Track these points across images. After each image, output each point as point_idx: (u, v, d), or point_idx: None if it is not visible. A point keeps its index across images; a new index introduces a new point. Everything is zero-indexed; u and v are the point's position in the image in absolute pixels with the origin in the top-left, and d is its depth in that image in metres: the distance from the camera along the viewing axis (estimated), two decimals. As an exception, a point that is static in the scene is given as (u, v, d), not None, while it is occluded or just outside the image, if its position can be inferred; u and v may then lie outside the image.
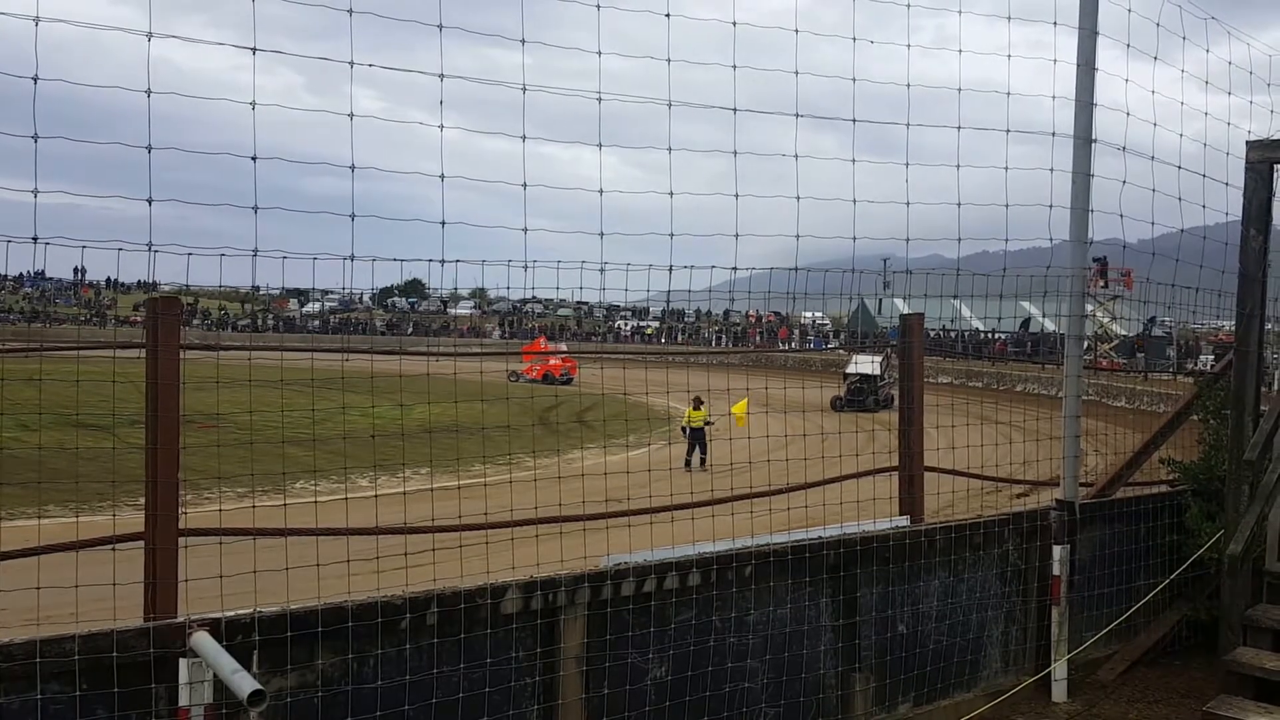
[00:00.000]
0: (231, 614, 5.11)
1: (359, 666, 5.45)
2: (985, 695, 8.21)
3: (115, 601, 5.70)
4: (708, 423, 28.13)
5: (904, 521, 8.18)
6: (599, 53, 6.58)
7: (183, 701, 4.83)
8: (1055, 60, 8.57)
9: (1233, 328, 9.07)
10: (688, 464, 27.47)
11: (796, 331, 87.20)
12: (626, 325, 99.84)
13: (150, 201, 5.12)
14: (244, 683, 4.42)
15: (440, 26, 5.99)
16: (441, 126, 6.01)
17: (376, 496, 6.82)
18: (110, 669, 4.76)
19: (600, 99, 6.63)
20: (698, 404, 28.32)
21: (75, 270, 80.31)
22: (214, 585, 5.40)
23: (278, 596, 5.37)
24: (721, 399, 7.93)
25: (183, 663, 4.82)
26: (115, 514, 6.43)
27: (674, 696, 6.55)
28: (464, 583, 5.93)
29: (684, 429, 29.21)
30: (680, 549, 6.83)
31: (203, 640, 4.80)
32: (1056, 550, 8.45)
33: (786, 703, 7.11)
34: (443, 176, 5.94)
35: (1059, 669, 8.38)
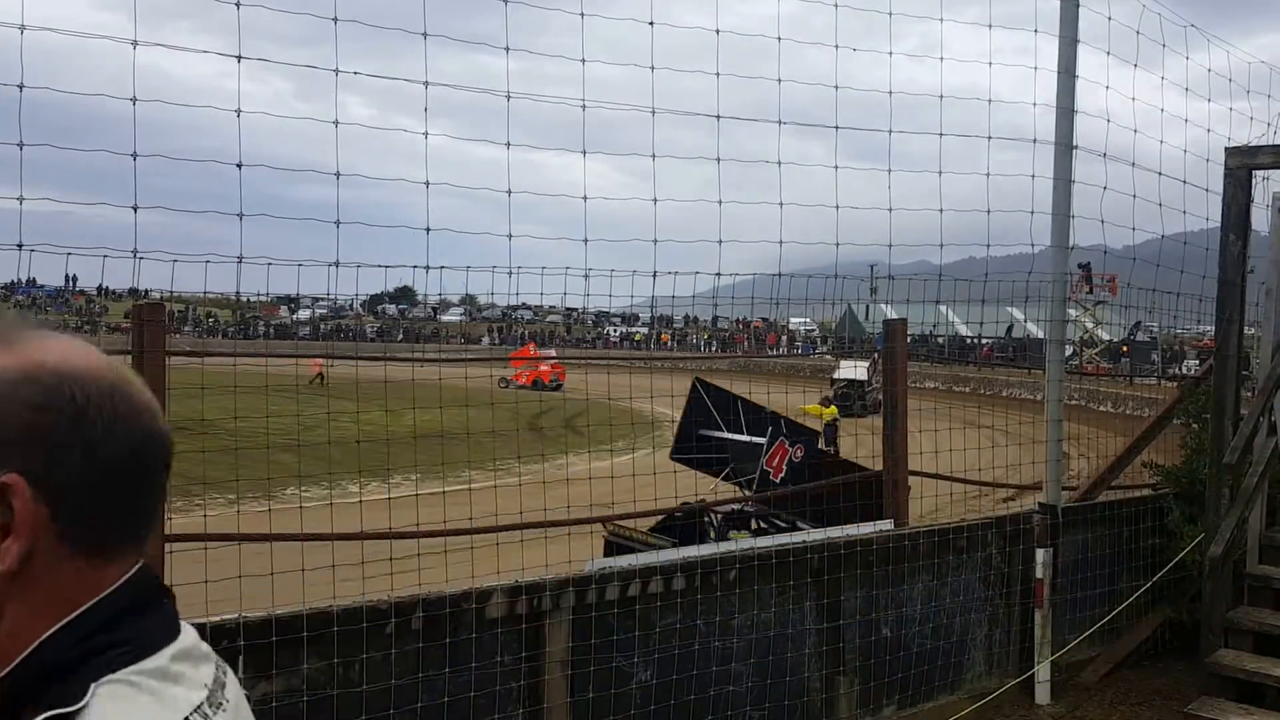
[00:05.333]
0: (217, 619, 5.13)
1: (344, 671, 5.47)
2: (969, 698, 8.26)
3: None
4: (836, 419, 30.52)
5: (888, 525, 8.23)
6: (583, 60, 6.63)
7: (168, 706, 4.84)
8: (1036, 68, 8.66)
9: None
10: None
11: (784, 337, 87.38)
12: (615, 331, 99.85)
13: (135, 208, 5.17)
14: (229, 687, 4.44)
15: (425, 35, 6.04)
16: (426, 134, 6.06)
17: (362, 502, 6.85)
18: (96, 674, 4.77)
19: (585, 106, 6.69)
20: (826, 402, 31.79)
21: (66, 278, 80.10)
22: (199, 590, 5.41)
23: (263, 602, 5.40)
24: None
25: (168, 668, 4.84)
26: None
27: (659, 700, 6.59)
28: (449, 587, 5.96)
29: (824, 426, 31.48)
30: (665, 553, 6.88)
31: (188, 645, 4.81)
32: (1040, 554, 8.50)
33: (771, 705, 7.15)
34: (428, 183, 5.99)
35: (1042, 671, 8.43)
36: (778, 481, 10.18)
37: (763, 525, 10.03)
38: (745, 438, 11.21)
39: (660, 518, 10.76)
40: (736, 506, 10.69)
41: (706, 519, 11.07)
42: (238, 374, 6.02)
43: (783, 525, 9.73)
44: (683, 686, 6.67)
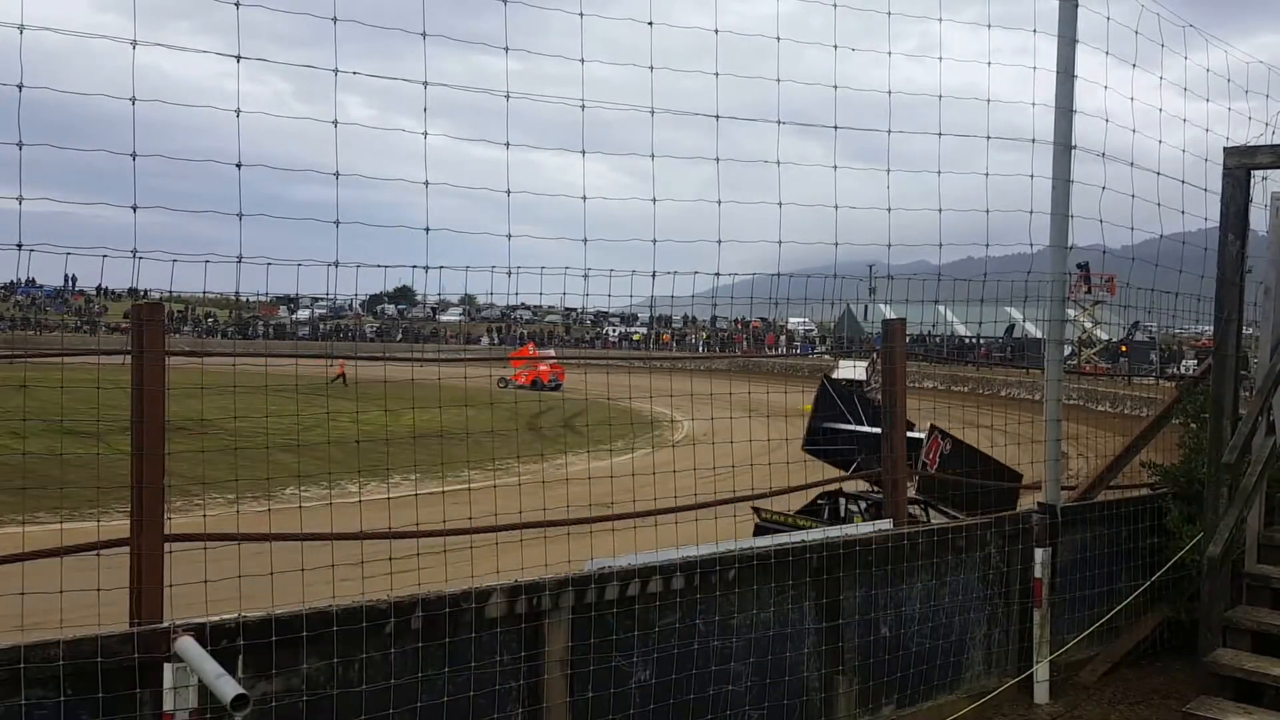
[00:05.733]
0: (216, 619, 5.13)
1: (344, 670, 5.48)
2: (968, 697, 8.27)
3: (100, 607, 5.72)
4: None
5: (887, 525, 8.24)
6: (582, 60, 6.63)
7: (167, 706, 4.85)
8: (1035, 68, 8.67)
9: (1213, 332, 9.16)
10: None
11: (782, 337, 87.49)
12: (614, 331, 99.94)
13: (135, 209, 5.17)
14: (227, 687, 4.45)
15: (424, 35, 6.04)
16: (425, 134, 6.07)
17: (361, 502, 6.86)
18: (95, 674, 4.78)
19: (584, 106, 6.69)
20: None
21: (66, 278, 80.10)
22: (199, 590, 5.42)
23: (263, 601, 5.41)
24: (705, 404, 8.00)
25: (167, 668, 4.85)
26: (101, 520, 6.45)
27: (658, 699, 6.59)
28: (449, 587, 5.96)
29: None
30: (664, 553, 6.88)
31: (187, 645, 4.82)
32: (1038, 553, 8.51)
33: (770, 705, 7.16)
34: (426, 183, 6.00)
35: (1041, 671, 8.45)
36: (933, 471, 12.03)
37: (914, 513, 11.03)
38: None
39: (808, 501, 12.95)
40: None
41: (854, 506, 13.19)
42: (237, 374, 6.02)
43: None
44: (682, 686, 6.68)
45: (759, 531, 11.63)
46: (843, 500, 13.65)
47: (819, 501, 12.73)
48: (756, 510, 12.12)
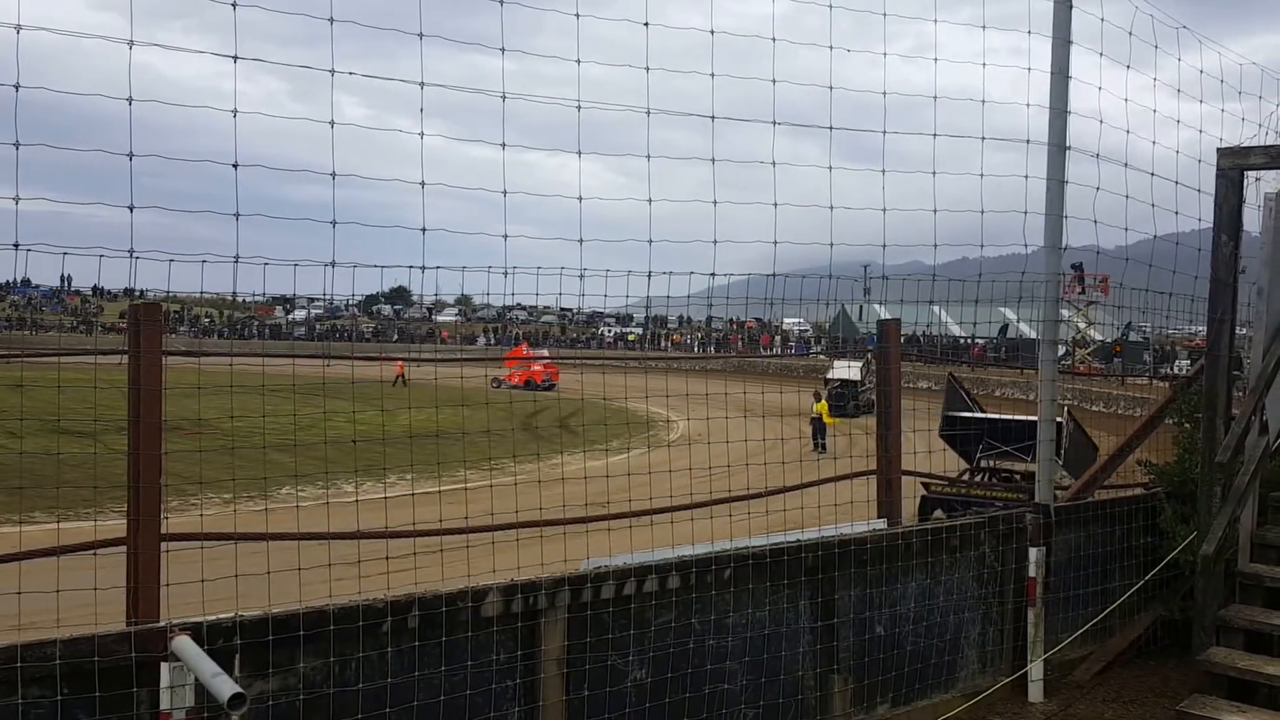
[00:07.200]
0: (213, 618, 5.15)
1: (340, 669, 5.49)
2: (963, 696, 8.30)
3: (97, 606, 5.73)
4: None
5: (882, 524, 8.27)
6: (578, 61, 6.65)
7: (164, 705, 4.87)
8: (1030, 69, 8.69)
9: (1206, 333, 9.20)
10: (822, 447, 31.31)
11: (778, 338, 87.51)
12: (610, 332, 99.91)
13: (131, 209, 5.17)
14: (224, 686, 4.46)
15: (421, 35, 6.05)
16: (422, 134, 6.09)
17: (358, 501, 6.87)
18: (92, 673, 4.79)
19: (580, 107, 6.70)
20: (818, 397, 33.99)
21: (62, 278, 79.93)
22: (196, 590, 5.43)
23: (260, 601, 5.42)
24: (700, 404, 8.04)
25: (164, 667, 4.86)
26: (98, 519, 6.45)
27: (654, 698, 6.62)
28: (445, 586, 5.98)
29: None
30: (659, 552, 6.90)
31: (184, 644, 4.84)
32: (1032, 552, 8.54)
33: (766, 704, 7.18)
34: (423, 184, 6.01)
35: (1035, 669, 8.48)
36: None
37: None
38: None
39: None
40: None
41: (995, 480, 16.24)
42: (234, 374, 6.03)
43: None
44: (677, 685, 6.70)
45: (925, 503, 13.13)
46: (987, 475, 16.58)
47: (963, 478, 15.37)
48: (925, 484, 13.38)
